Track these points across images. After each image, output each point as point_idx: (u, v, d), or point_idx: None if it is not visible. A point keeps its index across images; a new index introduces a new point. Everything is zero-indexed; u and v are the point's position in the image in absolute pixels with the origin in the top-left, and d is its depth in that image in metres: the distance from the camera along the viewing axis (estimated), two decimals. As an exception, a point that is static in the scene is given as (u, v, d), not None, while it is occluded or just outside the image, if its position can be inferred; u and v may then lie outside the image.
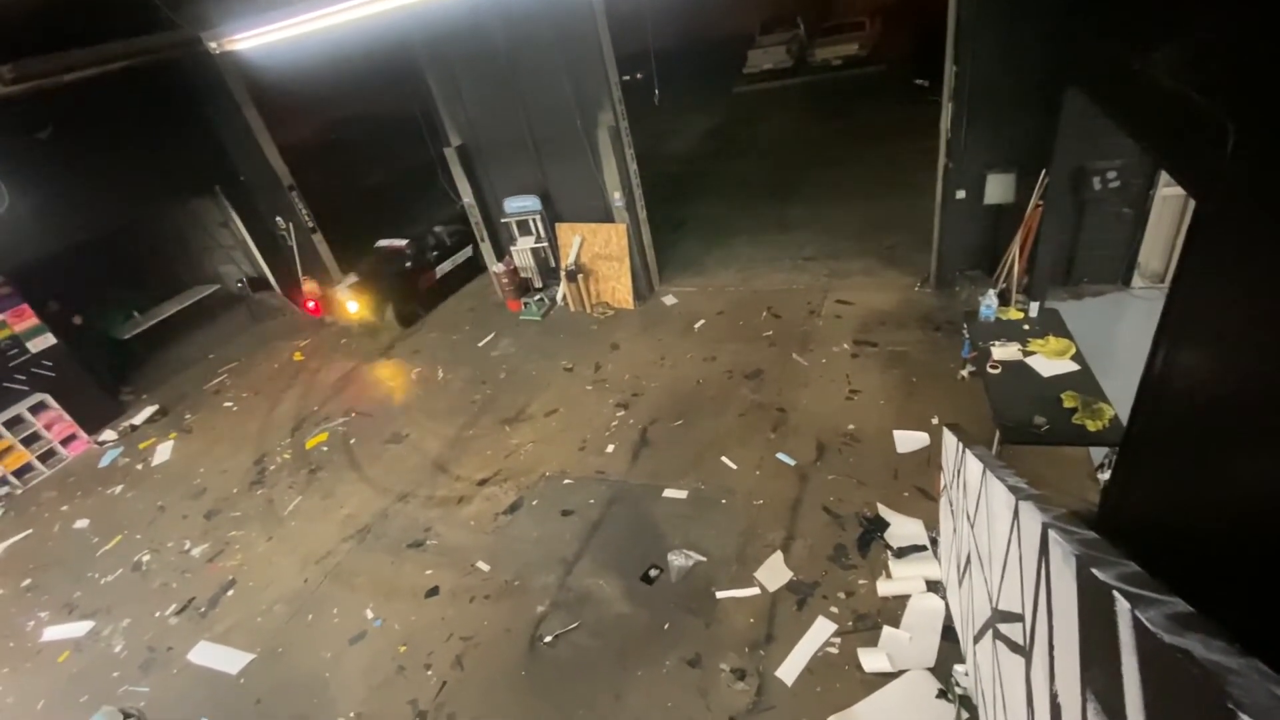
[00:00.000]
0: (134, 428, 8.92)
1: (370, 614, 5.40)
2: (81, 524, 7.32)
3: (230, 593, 5.95)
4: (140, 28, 8.08)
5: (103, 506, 7.56)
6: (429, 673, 4.83)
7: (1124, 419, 3.79)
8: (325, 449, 7.59)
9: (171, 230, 11.52)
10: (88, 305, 10.49)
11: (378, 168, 17.92)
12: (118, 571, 6.52)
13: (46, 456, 8.43)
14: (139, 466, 8.14)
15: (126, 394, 9.75)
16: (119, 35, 7.85)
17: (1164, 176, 6.16)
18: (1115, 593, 1.68)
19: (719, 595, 4.87)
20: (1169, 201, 6.35)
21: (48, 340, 8.47)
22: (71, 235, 8.90)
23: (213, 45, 7.69)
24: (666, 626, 4.75)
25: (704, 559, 5.16)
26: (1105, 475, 4.73)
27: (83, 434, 8.73)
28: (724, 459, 6.05)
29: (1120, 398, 4.25)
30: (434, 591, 5.47)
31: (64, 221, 8.65)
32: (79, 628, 5.96)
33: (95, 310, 10.65)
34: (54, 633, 5.97)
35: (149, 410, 9.13)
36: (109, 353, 10.29)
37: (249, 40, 7.78)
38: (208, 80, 9.51)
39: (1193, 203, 3.72)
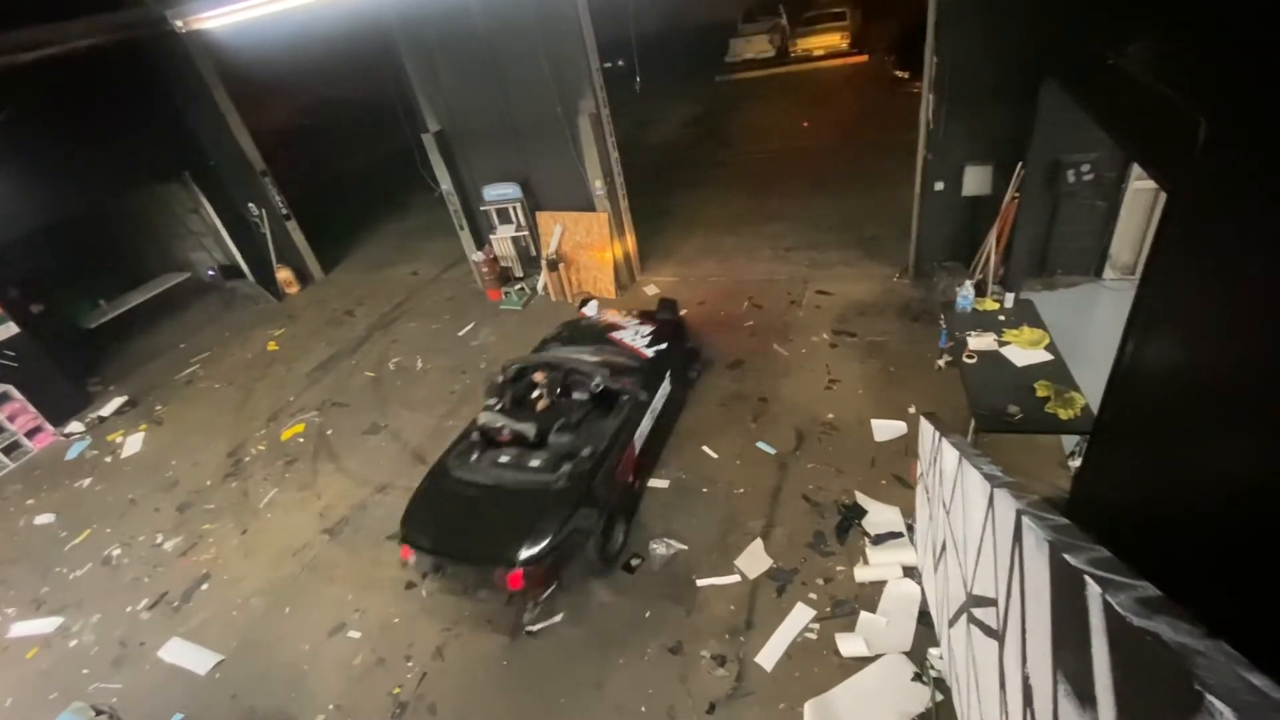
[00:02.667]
0: (102, 419, 8.68)
1: (349, 605, 5.34)
2: (48, 518, 7.12)
3: (204, 586, 5.85)
4: (103, 5, 7.80)
5: (70, 500, 7.36)
6: (409, 664, 4.81)
7: (1095, 407, 3.88)
8: (301, 440, 7.47)
9: (139, 217, 11.19)
10: (51, 293, 10.18)
11: (354, 153, 17.60)
12: (87, 566, 6.37)
13: (10, 449, 8.17)
14: (108, 459, 7.94)
15: (94, 385, 9.49)
16: (80, 13, 7.57)
17: (1135, 170, 6.27)
18: (1086, 577, 1.72)
19: (700, 583, 4.90)
20: (1140, 195, 6.47)
21: (10, 330, 8.20)
22: (32, 221, 8.61)
23: (178, 24, 7.46)
24: (648, 615, 4.77)
25: (685, 547, 5.19)
26: (1076, 462, 4.84)
27: (48, 426, 8.48)
28: (705, 448, 6.08)
29: (1091, 387, 4.34)
30: (414, 583, 5.43)
31: (24, 207, 8.36)
32: (47, 623, 5.81)
33: (59, 298, 10.34)
34: (21, 629, 5.82)
35: (118, 401, 8.90)
36: (75, 342, 9.99)
37: (216, 19, 7.56)
38: (175, 61, 9.22)
39: (1163, 196, 3.80)
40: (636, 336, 6.22)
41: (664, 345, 6.17)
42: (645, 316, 6.78)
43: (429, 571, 4.81)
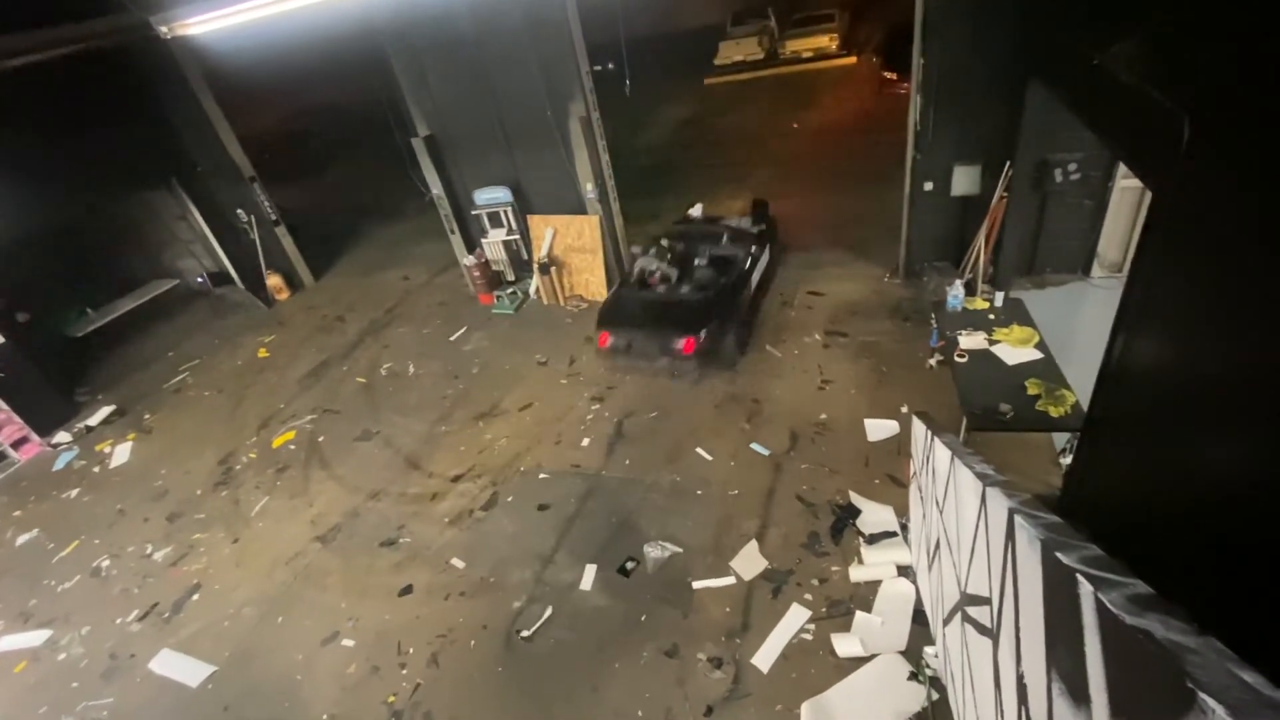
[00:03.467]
0: (90, 429, 8.59)
1: (343, 614, 5.31)
2: (35, 530, 7.04)
3: (195, 597, 5.80)
4: (87, 11, 7.74)
5: (58, 511, 7.28)
6: (404, 672, 4.78)
7: (1085, 405, 3.91)
8: (293, 447, 7.42)
9: (126, 224, 11.08)
10: (37, 302, 10.06)
11: (343, 158, 17.55)
12: (76, 578, 6.30)
13: (-4, 460, 8.09)
14: (96, 469, 7.86)
15: (81, 394, 9.39)
16: (64, 19, 7.51)
17: (1122, 169, 6.33)
18: (1078, 576, 1.72)
19: (695, 586, 4.90)
20: (1126, 193, 6.53)
21: (-5, 339, 8.11)
22: (17, 228, 8.51)
23: (163, 30, 7.42)
24: (644, 618, 4.77)
25: (680, 550, 5.19)
26: (1067, 460, 4.88)
27: (35, 436, 8.38)
28: (699, 450, 6.08)
29: (1081, 384, 4.37)
30: (408, 590, 5.40)
31: (8, 214, 8.26)
32: (36, 636, 5.74)
33: (45, 307, 10.23)
34: (9, 642, 5.75)
35: (106, 410, 8.80)
36: (61, 351, 9.88)
37: (202, 25, 7.51)
38: (160, 67, 9.15)
39: (1149, 194, 3.83)
40: (741, 222, 8.31)
41: (763, 226, 8.22)
42: (742, 213, 8.80)
43: (620, 350, 6.96)
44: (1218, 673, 1.21)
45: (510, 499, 6.06)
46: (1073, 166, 6.28)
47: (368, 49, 9.50)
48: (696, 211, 8.97)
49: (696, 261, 7.54)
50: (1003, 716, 2.52)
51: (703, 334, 6.56)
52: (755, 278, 7.68)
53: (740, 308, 7.21)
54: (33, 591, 6.24)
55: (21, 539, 6.96)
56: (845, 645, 4.24)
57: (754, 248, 7.68)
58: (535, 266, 8.93)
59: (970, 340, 5.37)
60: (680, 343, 6.55)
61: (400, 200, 13.65)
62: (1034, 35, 5.53)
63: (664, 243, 7.81)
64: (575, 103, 7.80)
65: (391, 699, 4.62)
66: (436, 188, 9.08)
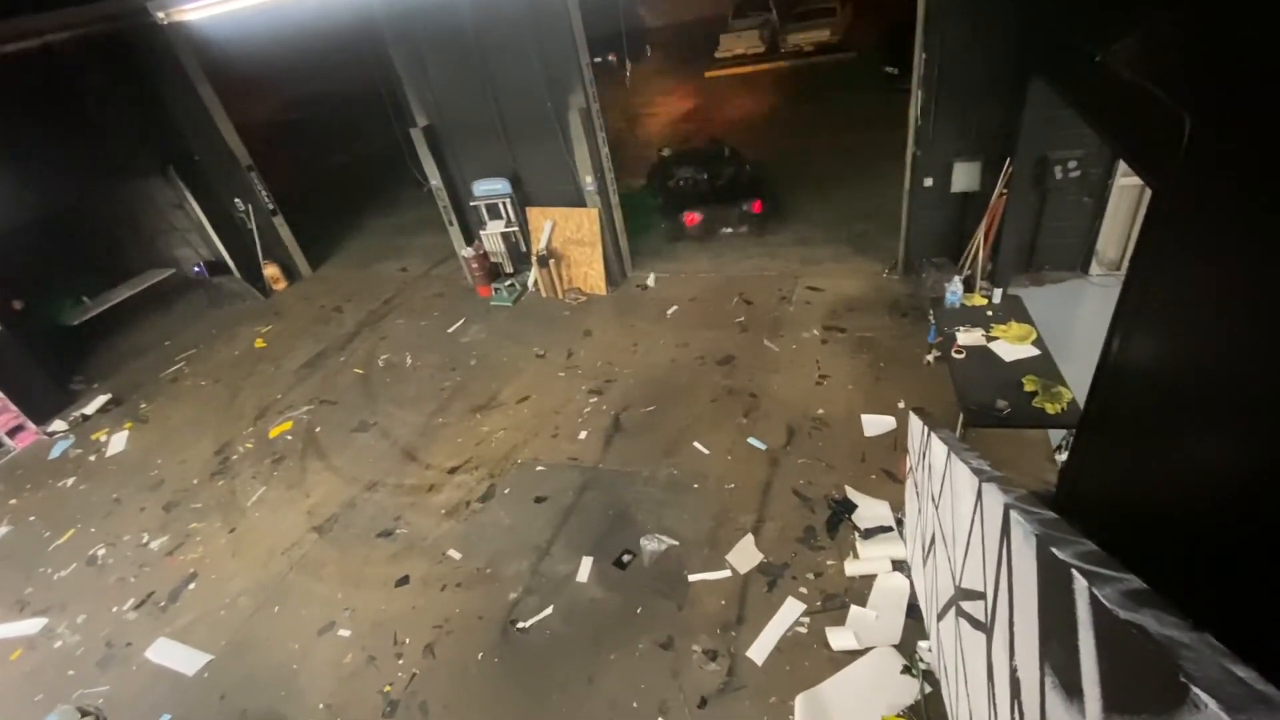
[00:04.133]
0: (86, 418, 8.56)
1: (339, 604, 5.32)
2: (31, 518, 7.03)
3: (191, 586, 5.80)
4: (82, -4, 7.67)
5: (54, 499, 7.26)
6: (400, 662, 4.79)
7: (1081, 402, 3.92)
8: (289, 438, 7.41)
9: (122, 212, 11.01)
10: (33, 290, 10.02)
11: (342, 148, 17.42)
12: (72, 566, 6.29)
13: (-9, 448, 8.06)
14: (92, 458, 7.84)
15: (77, 383, 9.35)
16: (60, 4, 7.44)
17: (1122, 166, 6.32)
18: (1073, 571, 1.73)
19: (691, 578, 4.92)
20: (1126, 191, 6.53)
21: (-11, 327, 8.06)
22: (11, 217, 8.46)
23: (160, 16, 7.36)
24: (639, 610, 4.78)
25: (676, 543, 5.20)
26: (1063, 456, 4.90)
27: (30, 425, 8.35)
28: (696, 444, 6.09)
29: (1078, 381, 4.38)
30: (404, 580, 5.41)
31: (2, 201, 8.21)
32: (31, 625, 5.74)
33: (41, 295, 10.18)
34: (5, 630, 5.75)
35: (101, 399, 8.78)
36: (57, 340, 9.84)
37: (199, 11, 7.45)
38: (157, 53, 9.08)
39: (1148, 192, 3.83)
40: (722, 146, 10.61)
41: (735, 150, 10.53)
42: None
43: (701, 223, 9.45)
44: (1211, 668, 1.22)
45: (507, 491, 6.06)
46: (1072, 164, 6.27)
47: (366, 38, 9.43)
48: (668, 152, 11.03)
49: (697, 175, 9.87)
50: (995, 710, 2.54)
51: (760, 198, 9.20)
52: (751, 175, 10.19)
53: (764, 188, 9.73)
54: (28, 580, 6.24)
55: (13, 527, 6.95)
56: (839, 639, 4.27)
57: (745, 158, 10.39)
58: (534, 259, 8.90)
59: (968, 336, 5.38)
60: (751, 204, 9.16)
61: (398, 191, 13.59)
62: (1035, 31, 5.51)
63: (666, 153, 10.81)
64: (575, 94, 7.76)
65: (387, 689, 4.64)
66: (435, 179, 9.03)
